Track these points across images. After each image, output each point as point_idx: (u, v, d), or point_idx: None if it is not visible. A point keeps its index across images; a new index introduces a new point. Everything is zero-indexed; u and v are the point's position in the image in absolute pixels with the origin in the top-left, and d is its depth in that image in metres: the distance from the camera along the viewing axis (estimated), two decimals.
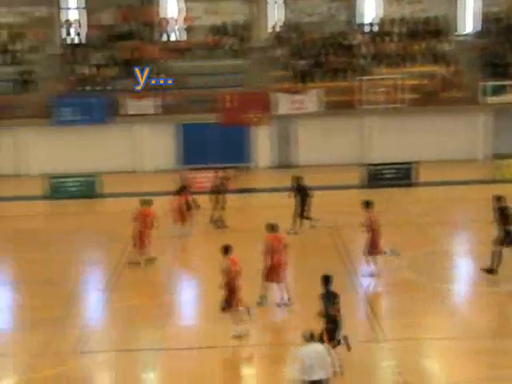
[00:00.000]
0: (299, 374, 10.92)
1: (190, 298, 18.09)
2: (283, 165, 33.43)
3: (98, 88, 34.27)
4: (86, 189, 28.81)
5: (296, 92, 32.87)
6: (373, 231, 17.72)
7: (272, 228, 16.33)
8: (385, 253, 17.91)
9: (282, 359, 13.62)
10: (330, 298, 12.78)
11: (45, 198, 28.57)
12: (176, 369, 13.78)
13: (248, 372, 14.06)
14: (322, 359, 10.96)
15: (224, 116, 32.70)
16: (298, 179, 22.61)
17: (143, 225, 19.08)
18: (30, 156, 33.63)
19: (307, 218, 22.35)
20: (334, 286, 13.08)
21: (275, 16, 38.21)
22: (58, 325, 15.73)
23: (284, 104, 32.76)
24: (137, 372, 13.62)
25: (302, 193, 22.26)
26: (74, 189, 28.78)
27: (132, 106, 33.17)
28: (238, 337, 14.39)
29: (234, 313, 14.51)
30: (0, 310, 17.24)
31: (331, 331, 12.56)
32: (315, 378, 10.88)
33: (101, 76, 34.45)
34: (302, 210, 22.15)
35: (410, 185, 29.34)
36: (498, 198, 17.62)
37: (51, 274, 19.07)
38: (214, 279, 17.85)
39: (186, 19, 37.05)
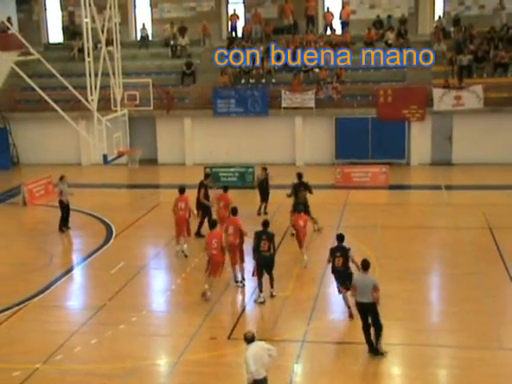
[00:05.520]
0: (252, 374, 11.25)
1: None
2: (437, 162, 32.89)
3: (259, 81, 35.14)
4: (244, 179, 29.79)
5: (456, 88, 32.09)
6: None
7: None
8: None
9: (426, 362, 13.73)
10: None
11: None
12: (318, 362, 14.02)
13: (397, 372, 13.93)
14: (265, 357, 11.39)
15: (381, 111, 32.62)
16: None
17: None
18: (192, 145, 35.07)
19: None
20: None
21: (439, 9, 37.48)
22: (213, 310, 16.54)
23: (442, 100, 32.06)
24: (281, 363, 13.64)
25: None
26: (232, 179, 29.79)
27: (291, 98, 33.71)
28: None
29: None
30: (158, 292, 18.31)
31: None
32: (263, 375, 11.33)
33: (261, 69, 35.21)
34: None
35: None
36: None
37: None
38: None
39: (346, 13, 37.11)
